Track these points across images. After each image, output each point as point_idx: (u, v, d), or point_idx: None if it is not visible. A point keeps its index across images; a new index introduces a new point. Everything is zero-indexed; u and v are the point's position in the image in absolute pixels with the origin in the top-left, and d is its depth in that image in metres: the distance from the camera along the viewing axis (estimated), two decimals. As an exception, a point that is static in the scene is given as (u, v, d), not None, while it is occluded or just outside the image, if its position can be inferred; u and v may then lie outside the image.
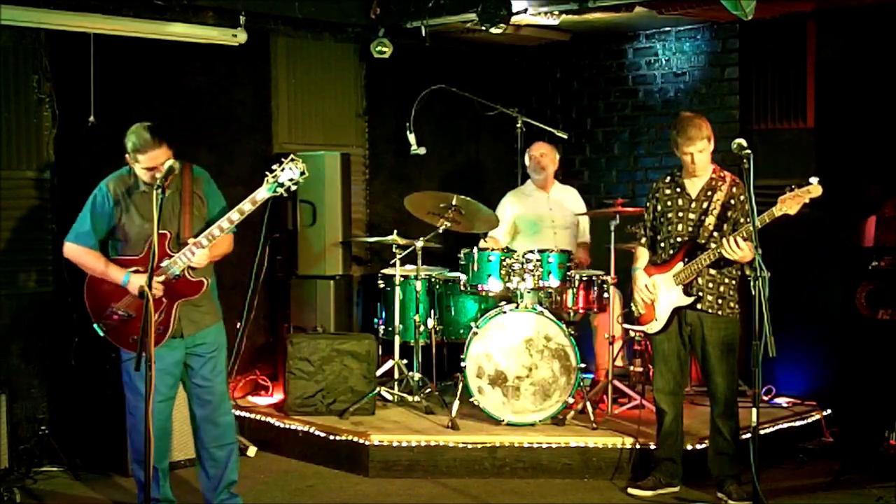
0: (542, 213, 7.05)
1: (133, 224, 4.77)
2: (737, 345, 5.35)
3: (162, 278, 4.68)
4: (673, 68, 7.59)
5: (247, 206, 4.66)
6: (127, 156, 4.75)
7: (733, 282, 5.35)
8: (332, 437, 6.09)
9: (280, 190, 4.64)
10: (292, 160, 4.62)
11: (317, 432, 6.17)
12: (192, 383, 4.96)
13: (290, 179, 4.61)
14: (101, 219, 4.80)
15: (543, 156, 7.03)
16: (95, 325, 4.85)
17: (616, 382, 6.38)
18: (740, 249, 5.00)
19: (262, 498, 5.57)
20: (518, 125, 7.40)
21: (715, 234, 5.25)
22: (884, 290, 6.08)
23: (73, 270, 6.08)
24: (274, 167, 4.63)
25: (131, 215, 4.77)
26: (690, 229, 5.34)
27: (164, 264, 4.69)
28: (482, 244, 6.80)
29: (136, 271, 4.70)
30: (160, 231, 4.66)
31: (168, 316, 4.75)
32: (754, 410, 4.57)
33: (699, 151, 5.26)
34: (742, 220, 5.20)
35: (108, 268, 4.77)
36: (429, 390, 6.62)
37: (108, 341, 4.89)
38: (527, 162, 7.12)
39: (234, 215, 4.68)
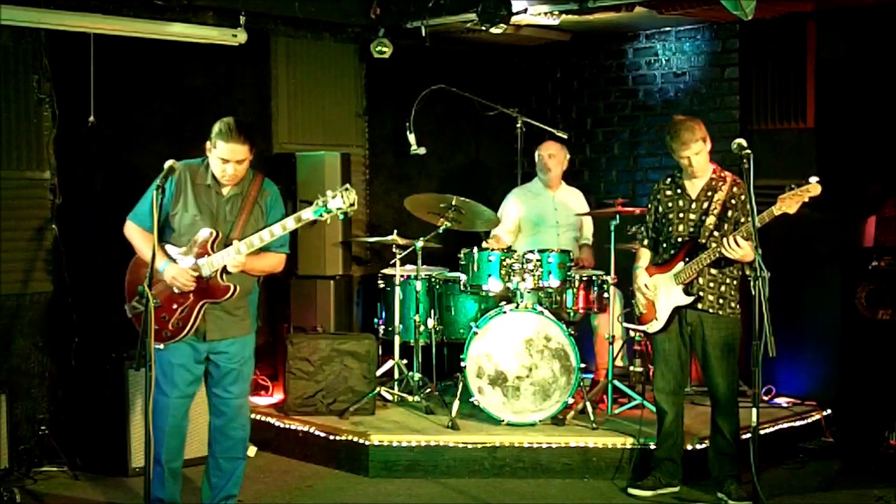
0: (546, 213, 7.05)
1: (186, 215, 4.74)
2: (737, 345, 5.35)
3: (196, 274, 4.67)
4: (673, 68, 7.59)
5: (290, 222, 4.69)
6: (208, 143, 4.73)
7: (734, 282, 5.35)
8: (332, 437, 6.09)
9: (326, 215, 4.67)
10: (347, 189, 4.65)
11: (317, 432, 6.17)
12: (210, 391, 4.96)
13: (339, 208, 4.65)
14: (163, 201, 4.69)
15: (551, 157, 7.02)
16: (126, 307, 4.83)
17: (616, 382, 6.38)
18: (740, 248, 5.01)
19: (262, 498, 5.57)
20: (518, 125, 7.40)
21: (715, 233, 5.26)
22: (884, 290, 6.08)
23: (73, 270, 6.12)
24: (328, 191, 4.66)
25: (187, 206, 4.75)
26: (691, 229, 5.34)
27: (200, 262, 4.68)
28: (486, 245, 6.81)
29: (173, 262, 4.69)
30: (210, 230, 4.70)
31: (190, 313, 4.72)
32: (754, 410, 4.57)
33: (696, 154, 5.25)
34: (742, 219, 5.20)
35: (155, 249, 4.64)
36: (429, 390, 6.62)
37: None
38: (536, 160, 7.12)
39: (277, 229, 4.70)
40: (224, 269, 4.70)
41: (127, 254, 4.89)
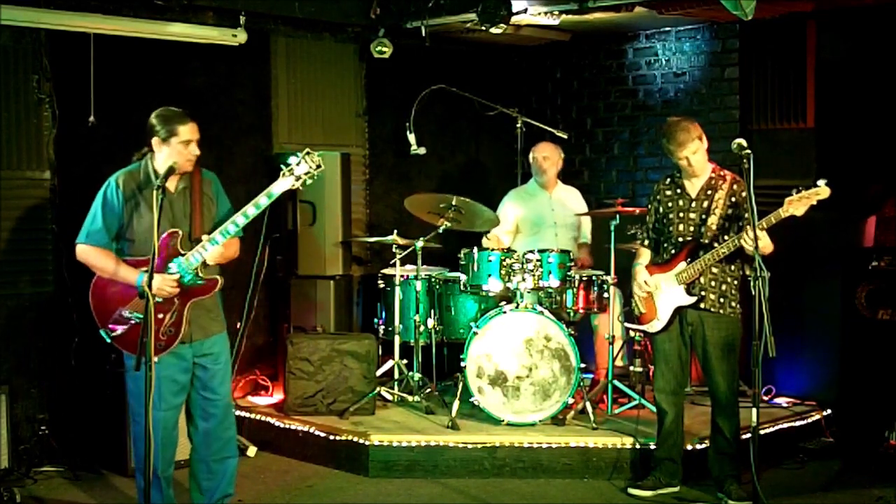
0: (544, 213, 7.05)
1: (142, 222, 4.65)
2: (738, 345, 5.35)
3: (176, 276, 4.61)
4: (673, 68, 7.59)
5: (263, 199, 4.61)
6: (154, 140, 4.66)
7: (735, 281, 5.35)
8: (332, 437, 6.09)
9: (297, 184, 4.61)
10: (308, 154, 4.60)
11: (317, 432, 6.17)
12: (197, 395, 4.84)
13: (306, 173, 4.59)
14: (112, 214, 4.66)
15: (546, 158, 7.02)
16: (102, 332, 4.71)
17: (616, 382, 6.38)
18: (759, 239, 4.89)
19: (262, 498, 5.56)
20: (518, 125, 7.40)
21: (718, 233, 5.25)
22: (884, 290, 6.08)
23: (73, 270, 6.09)
24: (290, 161, 4.61)
25: (141, 213, 4.65)
26: (692, 229, 5.34)
27: (173, 264, 4.62)
28: (484, 242, 6.81)
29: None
30: (172, 230, 4.65)
31: (180, 317, 4.66)
32: (754, 410, 4.57)
33: (693, 153, 5.26)
34: (746, 215, 5.18)
35: (120, 268, 4.63)
36: (429, 390, 6.62)
37: (115, 347, 4.74)
38: (530, 161, 7.12)
39: (251, 209, 4.62)
40: (203, 263, 4.66)
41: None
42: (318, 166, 4.61)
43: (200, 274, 4.67)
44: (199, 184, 4.78)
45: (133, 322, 4.64)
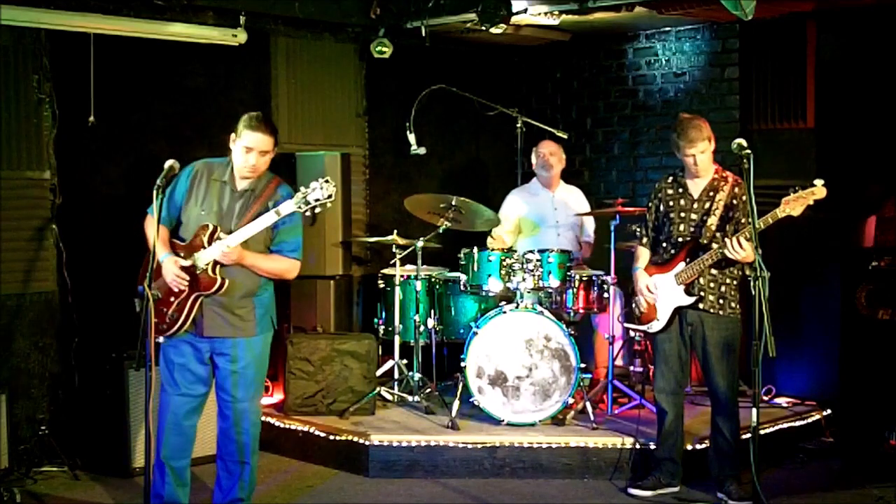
0: (546, 212, 7.05)
1: (195, 209, 4.76)
2: (737, 345, 5.35)
3: (188, 263, 4.66)
4: (673, 68, 7.60)
5: (271, 216, 4.66)
6: (232, 134, 4.74)
7: (734, 282, 5.35)
8: (332, 437, 6.09)
9: (305, 208, 4.64)
10: (326, 181, 4.62)
11: (317, 432, 6.17)
12: (216, 393, 4.91)
13: (317, 200, 4.62)
14: (176, 194, 4.78)
15: (552, 154, 7.03)
16: (140, 287, 4.75)
17: (616, 382, 6.38)
18: (742, 250, 5.00)
19: (262, 498, 5.55)
20: (518, 125, 7.41)
21: (717, 234, 5.26)
22: (884, 290, 6.08)
23: (73, 270, 6.12)
24: (313, 182, 4.63)
25: (197, 200, 4.76)
26: (692, 229, 5.34)
27: (196, 255, 4.68)
28: (489, 242, 6.82)
29: (176, 255, 4.71)
30: (205, 223, 4.70)
31: (184, 306, 4.69)
32: (754, 410, 4.57)
33: (701, 153, 5.26)
34: (744, 219, 5.20)
35: (156, 243, 4.64)
36: (429, 390, 6.62)
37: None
38: (534, 159, 7.12)
39: (258, 224, 4.66)
40: (218, 263, 4.67)
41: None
42: (330, 196, 4.63)
43: (210, 270, 4.68)
44: (268, 194, 4.80)
45: (153, 297, 4.58)
